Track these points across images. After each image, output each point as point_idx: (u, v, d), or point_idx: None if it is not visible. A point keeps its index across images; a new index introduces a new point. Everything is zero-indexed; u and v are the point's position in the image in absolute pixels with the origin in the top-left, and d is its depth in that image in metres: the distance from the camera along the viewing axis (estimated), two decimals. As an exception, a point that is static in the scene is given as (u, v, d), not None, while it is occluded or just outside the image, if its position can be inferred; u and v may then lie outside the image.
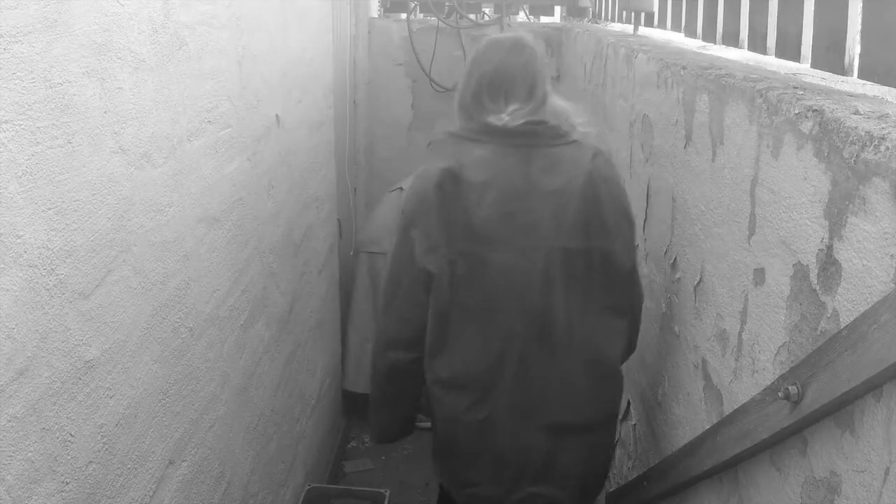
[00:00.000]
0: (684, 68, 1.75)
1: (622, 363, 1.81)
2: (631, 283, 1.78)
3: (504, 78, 1.74)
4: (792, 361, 1.13)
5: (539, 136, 1.72)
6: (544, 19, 5.09)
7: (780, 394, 1.07)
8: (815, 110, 1.10)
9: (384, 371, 1.85)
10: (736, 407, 1.31)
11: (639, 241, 2.16)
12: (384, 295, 1.83)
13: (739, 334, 1.35)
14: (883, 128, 0.95)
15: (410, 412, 1.93)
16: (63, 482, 1.25)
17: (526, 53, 1.78)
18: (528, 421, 1.73)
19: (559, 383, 1.72)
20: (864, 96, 1.23)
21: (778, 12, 1.85)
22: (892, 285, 0.88)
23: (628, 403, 2.26)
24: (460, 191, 1.65)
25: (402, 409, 1.92)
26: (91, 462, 1.34)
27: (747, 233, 1.33)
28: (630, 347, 1.85)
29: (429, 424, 1.88)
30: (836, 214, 1.01)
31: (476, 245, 1.66)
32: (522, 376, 1.71)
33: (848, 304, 0.98)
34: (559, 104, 1.82)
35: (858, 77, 1.45)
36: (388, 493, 3.06)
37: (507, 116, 1.71)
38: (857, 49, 1.44)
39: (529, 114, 1.72)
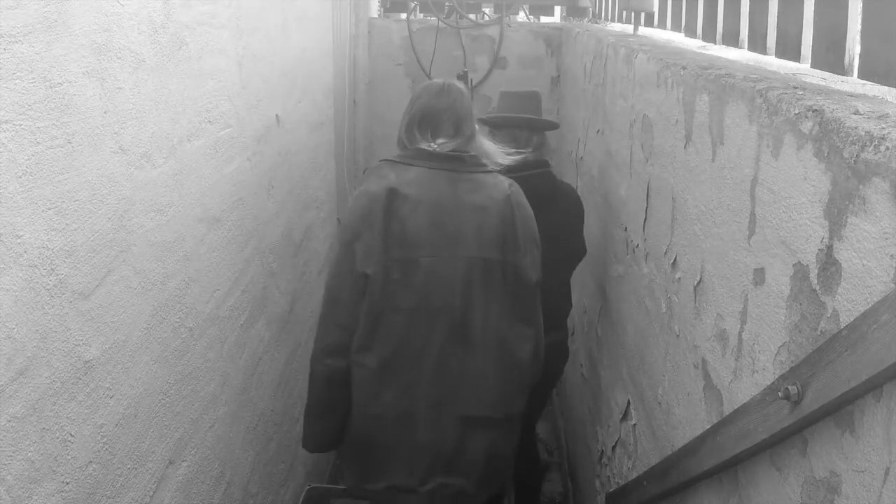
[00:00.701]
0: (684, 68, 1.75)
1: (530, 368, 1.98)
2: (535, 296, 1.98)
3: (432, 117, 1.99)
4: (792, 361, 1.13)
5: (464, 163, 1.95)
6: (544, 19, 5.08)
7: (780, 394, 1.07)
8: (815, 110, 1.10)
9: (323, 378, 1.95)
10: (736, 407, 1.31)
11: (639, 241, 2.16)
12: (323, 304, 1.96)
13: (739, 334, 1.35)
14: (883, 128, 0.94)
15: (345, 422, 1.99)
16: (63, 482, 1.25)
17: (452, 96, 2.02)
18: (443, 412, 1.88)
19: (473, 379, 1.89)
20: (864, 96, 1.23)
21: (778, 12, 1.85)
22: (892, 285, 0.88)
23: (628, 403, 2.26)
24: (397, 205, 1.86)
25: (339, 417, 1.99)
26: (91, 462, 1.34)
27: (747, 233, 1.33)
28: (537, 353, 1.99)
29: None
30: (836, 214, 1.01)
31: (408, 251, 1.85)
32: (441, 371, 1.87)
33: (848, 304, 0.98)
34: (486, 144, 2.08)
35: (858, 77, 1.45)
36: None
37: (436, 145, 1.95)
38: (857, 49, 1.44)
39: (457, 147, 1.96)
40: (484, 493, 1.97)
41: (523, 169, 2.42)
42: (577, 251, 2.61)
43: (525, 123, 2.57)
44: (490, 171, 1.98)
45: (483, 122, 2.62)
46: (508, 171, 2.30)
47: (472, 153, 1.98)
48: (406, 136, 2.00)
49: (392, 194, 1.86)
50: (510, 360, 1.93)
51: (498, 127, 2.56)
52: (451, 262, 1.86)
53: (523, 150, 2.41)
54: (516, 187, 1.99)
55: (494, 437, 1.94)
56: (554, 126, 2.76)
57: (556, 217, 2.48)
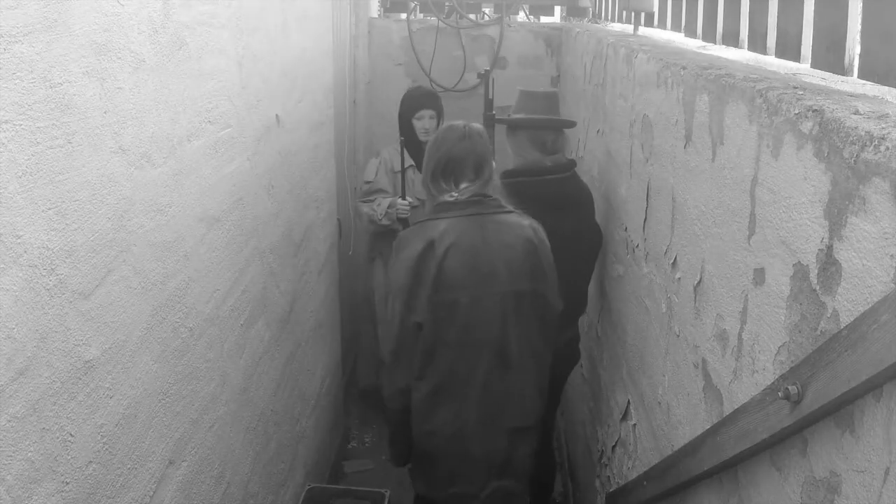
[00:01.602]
0: (684, 68, 1.75)
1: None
2: (554, 323, 2.26)
3: (456, 163, 2.16)
4: (792, 361, 1.13)
5: (485, 205, 2.16)
6: (544, 19, 5.08)
7: (780, 394, 1.07)
8: (815, 110, 1.10)
9: (399, 412, 2.25)
10: (736, 407, 1.31)
11: (639, 241, 2.16)
12: (390, 353, 2.21)
13: (739, 334, 1.35)
14: (883, 128, 0.94)
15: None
16: (63, 482, 1.25)
17: (473, 141, 2.18)
18: (493, 427, 2.16)
19: (515, 397, 2.17)
20: (864, 96, 1.23)
21: (778, 12, 1.85)
22: (892, 285, 0.88)
23: (628, 403, 2.26)
24: (433, 256, 2.07)
25: (410, 436, 2.32)
26: (91, 462, 1.34)
27: (747, 233, 1.33)
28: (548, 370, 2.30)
29: None
30: (836, 214, 1.01)
31: (449, 294, 2.07)
32: (486, 393, 2.13)
33: (848, 304, 0.98)
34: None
35: (858, 77, 1.45)
36: (388, 493, 3.06)
37: (457, 193, 2.15)
38: (857, 49, 1.44)
39: (477, 189, 2.16)
40: (528, 489, 2.32)
41: (562, 170, 2.48)
42: (599, 241, 2.65)
43: (552, 124, 2.58)
44: (510, 211, 2.19)
45: (504, 122, 2.63)
46: (549, 172, 2.50)
47: (492, 195, 2.18)
48: (432, 184, 2.20)
49: (429, 247, 2.08)
50: (542, 375, 2.23)
51: (524, 128, 2.56)
52: (487, 298, 2.09)
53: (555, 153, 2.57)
54: (535, 223, 2.21)
55: (532, 442, 2.27)
56: (574, 124, 2.77)
57: (584, 213, 2.54)
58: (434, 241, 2.08)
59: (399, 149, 3.40)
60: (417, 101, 3.52)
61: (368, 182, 3.56)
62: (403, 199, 3.34)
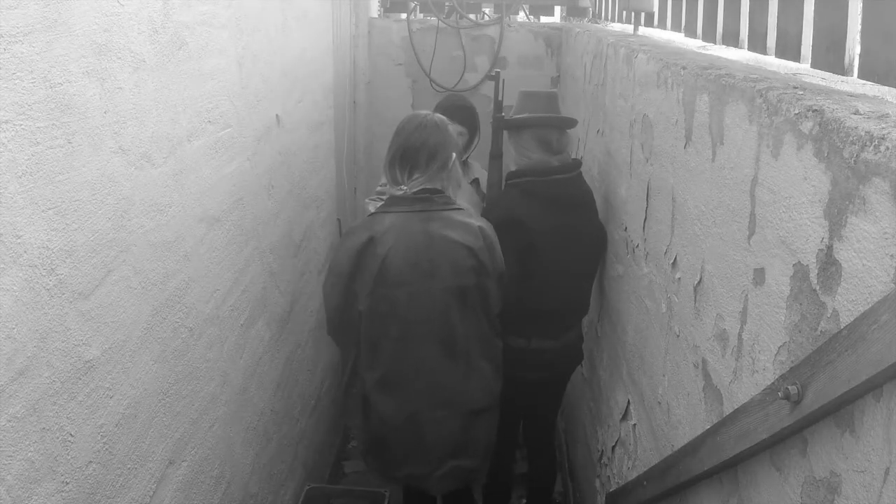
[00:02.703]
0: (684, 68, 1.75)
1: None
2: (496, 319, 2.32)
3: (410, 154, 2.21)
4: (792, 361, 1.13)
5: (433, 202, 2.18)
6: (544, 19, 5.08)
7: (780, 394, 1.07)
8: (815, 110, 1.10)
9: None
10: (736, 407, 1.31)
11: (639, 241, 2.16)
12: (330, 333, 2.34)
13: (739, 334, 1.35)
14: (883, 128, 0.94)
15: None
16: (63, 482, 1.25)
17: (427, 132, 2.22)
18: (446, 412, 2.23)
19: (466, 382, 2.23)
20: (864, 96, 1.22)
21: (778, 12, 1.85)
22: (892, 285, 0.88)
23: (628, 403, 2.26)
24: (374, 252, 2.13)
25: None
26: (91, 462, 1.34)
27: (747, 233, 1.32)
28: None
29: None
30: (836, 214, 1.01)
31: (388, 289, 2.13)
32: (435, 381, 2.20)
33: (848, 304, 0.98)
34: (457, 173, 2.29)
35: (858, 77, 1.45)
36: (388, 493, 3.06)
37: (406, 187, 2.20)
38: (857, 49, 1.44)
39: (426, 181, 2.19)
40: (486, 465, 2.39)
41: (569, 170, 2.48)
42: (604, 242, 2.66)
43: (559, 122, 2.58)
44: (458, 208, 2.23)
45: (509, 122, 2.63)
46: (557, 171, 2.49)
47: (442, 190, 2.21)
48: (388, 172, 2.27)
49: (370, 242, 2.14)
50: (488, 362, 2.27)
51: (529, 128, 2.55)
52: (428, 294, 2.15)
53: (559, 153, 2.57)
54: (485, 223, 2.26)
55: (492, 420, 2.33)
56: (576, 123, 2.77)
57: (591, 213, 2.55)
58: (375, 237, 2.14)
59: None
60: (448, 114, 3.20)
61: (383, 185, 3.43)
62: None
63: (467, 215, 2.24)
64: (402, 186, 2.21)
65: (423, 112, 2.31)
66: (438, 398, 2.21)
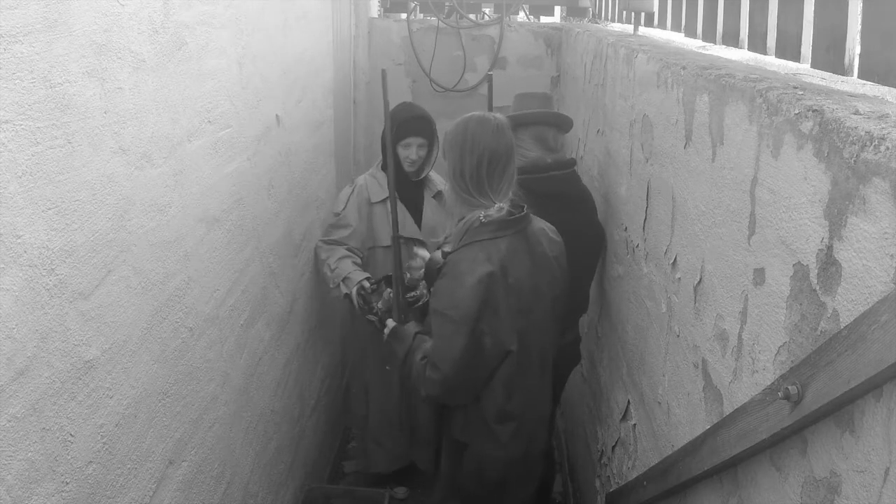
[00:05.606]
0: (684, 68, 1.75)
1: None
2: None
3: (497, 159, 2.00)
4: (792, 361, 1.13)
5: (521, 223, 2.06)
6: (544, 19, 5.08)
7: (780, 394, 1.07)
8: (815, 110, 1.10)
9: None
10: (736, 407, 1.31)
11: (639, 241, 2.16)
12: (446, 377, 1.98)
13: (739, 334, 1.35)
14: (883, 128, 0.94)
15: None
16: (63, 482, 1.24)
17: (507, 134, 2.04)
18: (544, 429, 2.26)
19: (547, 392, 2.23)
20: (864, 96, 1.22)
21: (778, 12, 1.85)
22: (892, 285, 0.88)
23: (628, 403, 2.26)
24: (508, 284, 1.97)
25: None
26: (91, 462, 1.34)
27: (747, 233, 1.32)
28: None
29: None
30: (836, 214, 1.01)
31: (522, 319, 2.02)
32: (539, 400, 2.19)
33: (848, 304, 0.98)
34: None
35: (858, 77, 1.45)
36: (387, 493, 3.06)
37: (502, 204, 2.00)
38: (857, 49, 1.44)
39: (512, 195, 2.04)
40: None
41: (565, 167, 2.49)
42: (603, 239, 2.67)
43: (554, 119, 2.58)
44: (531, 221, 2.10)
45: (510, 119, 2.64)
46: (553, 168, 2.50)
47: (524, 208, 2.06)
48: (475, 188, 2.00)
49: (495, 276, 1.93)
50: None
51: (526, 125, 2.56)
52: (542, 317, 2.08)
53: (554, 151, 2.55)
54: (550, 225, 2.19)
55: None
56: (572, 123, 2.78)
57: (589, 211, 2.58)
58: (498, 270, 1.93)
59: (376, 174, 3.04)
60: (406, 125, 2.98)
61: (336, 214, 3.05)
62: (368, 282, 2.77)
63: (540, 221, 2.15)
64: (501, 205, 1.99)
65: (483, 113, 2.08)
66: (539, 414, 2.19)
